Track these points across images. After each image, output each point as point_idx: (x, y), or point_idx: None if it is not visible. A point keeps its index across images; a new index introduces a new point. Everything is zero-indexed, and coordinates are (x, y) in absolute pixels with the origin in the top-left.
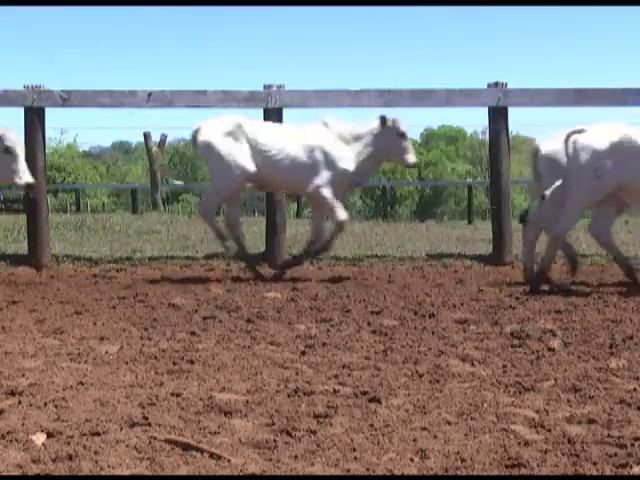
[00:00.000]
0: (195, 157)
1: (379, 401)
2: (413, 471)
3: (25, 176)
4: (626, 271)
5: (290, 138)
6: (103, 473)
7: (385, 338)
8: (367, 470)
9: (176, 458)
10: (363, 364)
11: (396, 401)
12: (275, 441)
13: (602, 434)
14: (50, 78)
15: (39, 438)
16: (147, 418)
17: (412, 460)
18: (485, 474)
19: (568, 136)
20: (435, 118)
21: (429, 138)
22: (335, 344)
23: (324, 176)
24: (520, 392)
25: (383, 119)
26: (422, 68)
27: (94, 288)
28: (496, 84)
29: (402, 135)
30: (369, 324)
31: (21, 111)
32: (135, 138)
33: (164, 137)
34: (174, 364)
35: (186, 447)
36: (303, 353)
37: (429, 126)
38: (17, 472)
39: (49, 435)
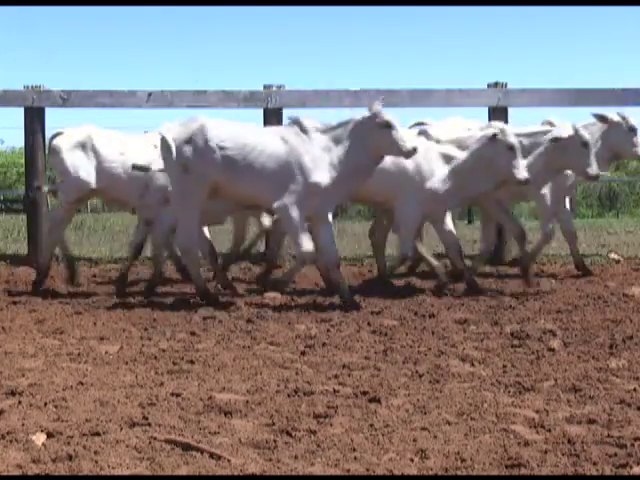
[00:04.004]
0: None
1: (379, 401)
2: (413, 471)
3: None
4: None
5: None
6: (103, 473)
7: (385, 338)
8: (367, 470)
9: (176, 458)
10: (363, 364)
11: (396, 401)
12: (275, 441)
13: (602, 434)
14: (50, 78)
15: (39, 438)
16: (147, 418)
17: (412, 460)
18: (485, 474)
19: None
20: (435, 118)
21: None
22: (335, 344)
23: None
24: (520, 392)
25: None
26: (422, 68)
27: (94, 288)
28: (496, 84)
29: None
30: (369, 324)
31: (21, 111)
32: None
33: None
34: (174, 364)
35: (186, 447)
36: (303, 353)
37: None
38: (17, 472)
39: (49, 435)
